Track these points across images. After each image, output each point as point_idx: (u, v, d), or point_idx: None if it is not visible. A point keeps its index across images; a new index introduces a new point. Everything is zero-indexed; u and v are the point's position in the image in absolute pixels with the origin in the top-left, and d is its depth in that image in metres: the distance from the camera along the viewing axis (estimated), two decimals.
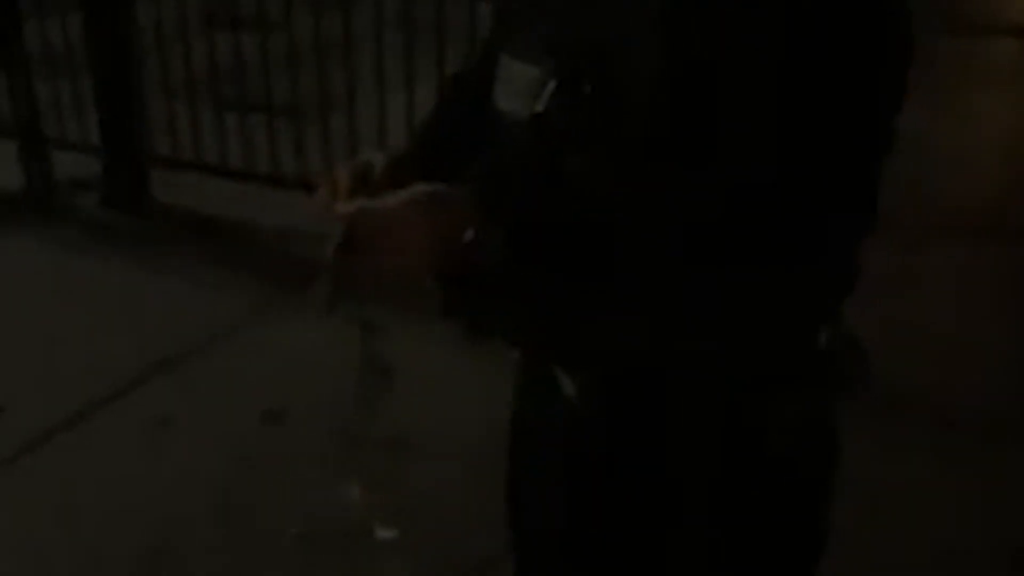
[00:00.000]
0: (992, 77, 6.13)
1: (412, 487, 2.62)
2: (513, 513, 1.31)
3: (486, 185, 0.99)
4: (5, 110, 4.63)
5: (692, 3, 0.93)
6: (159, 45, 4.32)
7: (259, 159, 4.08)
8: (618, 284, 0.93)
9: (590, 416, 1.09)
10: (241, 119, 4.12)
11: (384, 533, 1.15)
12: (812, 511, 1.15)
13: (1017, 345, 3.31)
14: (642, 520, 1.11)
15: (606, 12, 0.99)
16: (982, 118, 5.56)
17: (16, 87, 4.55)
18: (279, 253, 3.76)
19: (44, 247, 4.09)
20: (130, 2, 4.29)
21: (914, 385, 3.09)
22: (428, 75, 3.53)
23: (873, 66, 0.92)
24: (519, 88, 1.04)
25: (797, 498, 1.12)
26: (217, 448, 2.83)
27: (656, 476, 1.08)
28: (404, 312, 1.01)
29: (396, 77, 3.70)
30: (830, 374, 1.08)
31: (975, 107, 5.64)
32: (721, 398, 1.03)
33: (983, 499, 2.61)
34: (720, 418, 1.04)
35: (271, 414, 2.97)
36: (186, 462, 2.79)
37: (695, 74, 0.91)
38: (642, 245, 0.93)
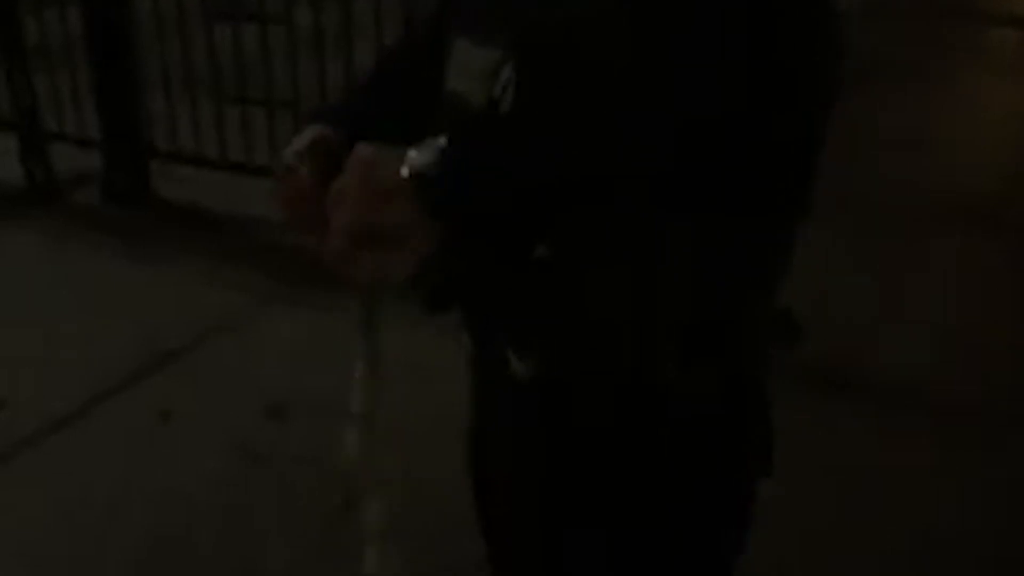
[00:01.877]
0: (993, 67, 6.13)
1: (412, 479, 2.64)
2: (477, 499, 1.32)
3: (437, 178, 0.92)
4: (5, 104, 4.63)
5: None
6: (159, 38, 4.32)
7: (259, 152, 4.08)
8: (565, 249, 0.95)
9: (536, 396, 1.11)
10: (241, 112, 4.12)
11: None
12: (728, 475, 1.15)
13: (1018, 336, 3.31)
14: (580, 490, 1.13)
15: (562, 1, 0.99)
16: (983, 107, 5.56)
17: (15, 81, 4.54)
18: (279, 246, 3.76)
19: (44, 241, 4.09)
20: None
21: (913, 375, 3.11)
22: None
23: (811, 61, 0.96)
24: (473, 71, 1.04)
25: (710, 462, 1.12)
26: (219, 443, 2.83)
27: (596, 449, 1.10)
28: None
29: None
30: (753, 341, 1.09)
31: (976, 96, 5.64)
32: (635, 359, 1.05)
33: (982, 488, 2.62)
34: (632, 379, 1.06)
35: (273, 408, 2.97)
36: (187, 456, 2.79)
37: (657, 57, 0.91)
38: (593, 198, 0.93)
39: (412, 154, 0.86)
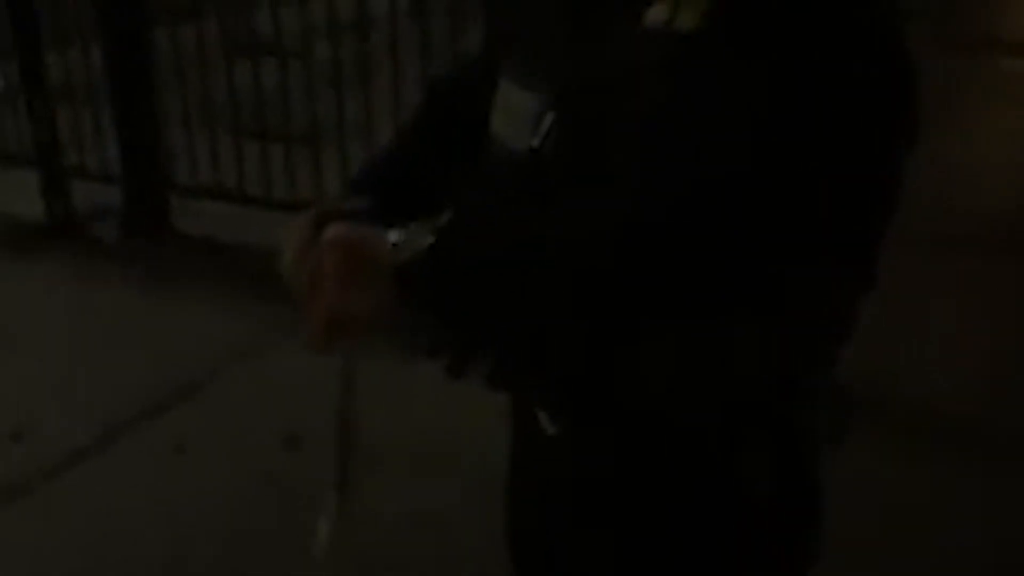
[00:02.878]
0: (999, 96, 6.12)
1: (411, 503, 2.63)
2: (511, 548, 1.29)
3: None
4: (27, 139, 4.68)
5: (702, 51, 0.90)
6: (178, 73, 4.36)
7: (277, 186, 4.11)
8: (583, 326, 0.92)
9: (567, 457, 1.08)
10: (260, 146, 4.15)
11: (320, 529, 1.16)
12: (789, 564, 1.11)
13: None
14: (617, 562, 1.09)
15: (610, 48, 0.96)
16: (992, 136, 5.55)
17: (38, 116, 4.59)
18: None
19: (64, 275, 4.12)
20: (149, 31, 4.33)
21: (929, 396, 3.08)
22: None
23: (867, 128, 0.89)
24: (516, 115, 1.02)
25: (774, 548, 1.09)
26: (236, 473, 2.82)
27: (629, 521, 1.07)
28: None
29: (413, 104, 3.71)
30: (808, 424, 1.05)
31: (984, 125, 5.63)
32: (693, 444, 1.01)
33: (996, 510, 2.59)
34: (693, 465, 1.02)
35: (289, 440, 2.96)
36: (205, 488, 2.78)
37: (694, 125, 0.89)
38: (609, 289, 0.91)
39: (395, 239, 0.88)
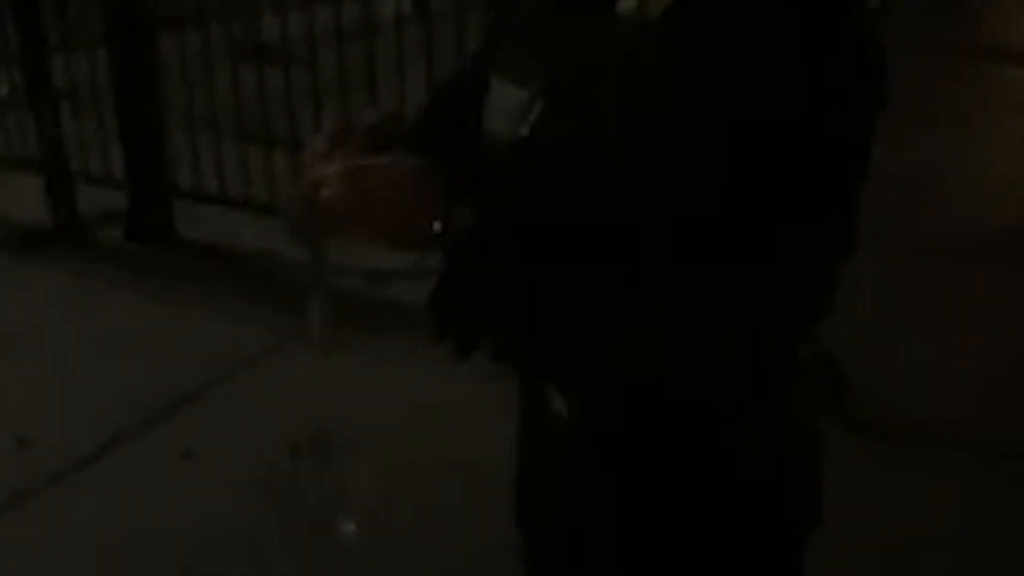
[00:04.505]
0: (1006, 103, 6.12)
1: (417, 508, 2.65)
2: (519, 526, 1.32)
3: (466, 187, 1.02)
4: (32, 145, 4.68)
5: (673, 34, 0.97)
6: (183, 79, 4.36)
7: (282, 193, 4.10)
8: (594, 288, 0.96)
9: (578, 435, 1.11)
10: (264, 152, 4.15)
11: (345, 526, 1.20)
12: (793, 530, 1.15)
13: None
14: (625, 535, 1.13)
15: (594, 40, 1.02)
16: (1001, 144, 5.55)
17: (43, 120, 4.59)
18: (302, 286, 3.78)
19: (69, 280, 4.12)
20: (154, 37, 4.34)
21: (935, 409, 3.08)
22: None
23: (846, 103, 0.96)
24: (507, 109, 1.07)
25: (776, 515, 1.12)
26: (241, 481, 2.82)
27: (638, 492, 1.10)
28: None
29: (417, 109, 3.71)
30: (805, 389, 1.10)
31: (992, 134, 5.63)
32: (696, 413, 1.05)
33: (993, 517, 2.59)
34: (696, 435, 1.06)
35: (295, 447, 2.96)
36: (209, 495, 2.78)
37: (669, 110, 0.95)
38: (617, 247, 0.96)
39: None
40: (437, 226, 0.96)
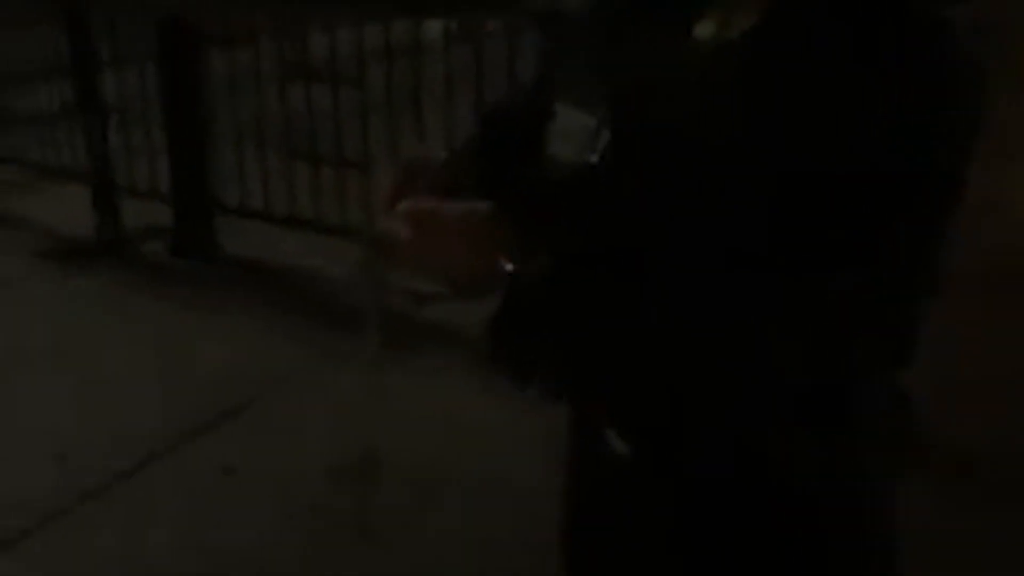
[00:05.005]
0: None
1: (453, 526, 2.62)
2: (567, 561, 1.26)
3: (537, 222, 1.00)
4: (81, 155, 4.71)
5: (758, 58, 0.92)
6: (232, 95, 4.37)
7: (326, 210, 4.09)
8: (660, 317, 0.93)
9: (642, 478, 1.07)
10: (311, 170, 4.14)
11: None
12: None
13: None
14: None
15: (664, 65, 0.99)
16: None
17: (92, 135, 4.63)
18: (344, 303, 3.75)
19: (111, 293, 4.13)
20: (204, 53, 4.35)
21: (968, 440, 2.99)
22: None
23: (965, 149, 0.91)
24: (573, 135, 1.04)
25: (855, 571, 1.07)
26: (275, 503, 2.79)
27: (709, 543, 1.06)
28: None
29: (465, 131, 3.68)
30: (868, 427, 1.04)
31: None
32: (773, 461, 1.01)
33: None
34: (771, 485, 1.02)
35: (333, 470, 2.92)
36: (243, 517, 2.74)
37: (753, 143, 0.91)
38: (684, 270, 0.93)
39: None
40: (508, 267, 0.94)
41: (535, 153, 1.10)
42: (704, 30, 0.96)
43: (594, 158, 1.01)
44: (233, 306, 3.96)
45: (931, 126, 0.89)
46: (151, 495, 2.86)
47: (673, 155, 0.95)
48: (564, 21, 1.17)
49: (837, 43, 0.89)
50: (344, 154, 4.10)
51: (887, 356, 0.99)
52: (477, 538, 2.60)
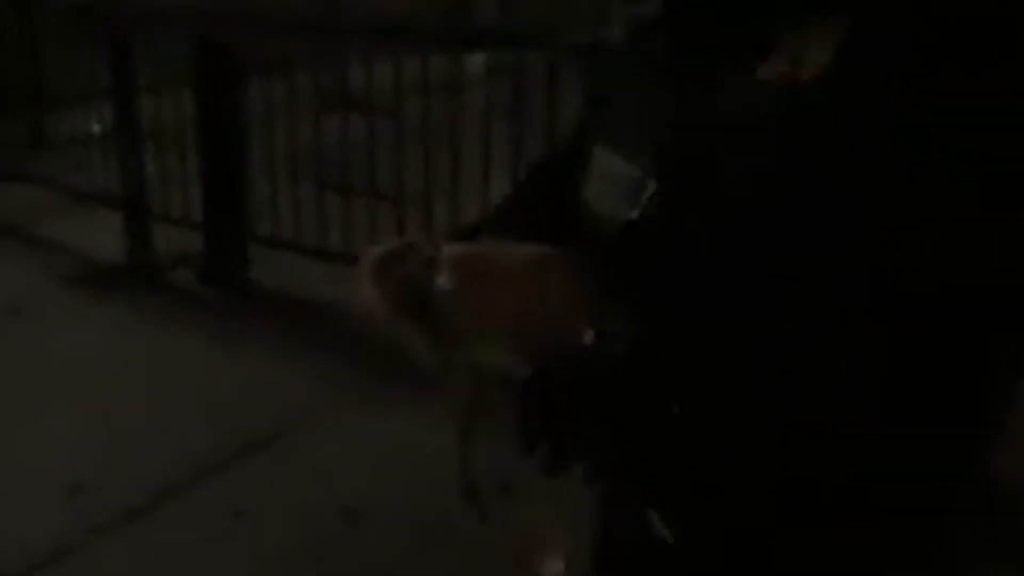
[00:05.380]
0: None
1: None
2: None
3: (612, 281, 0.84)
4: (114, 180, 4.69)
5: (834, 102, 0.77)
6: (267, 124, 4.33)
7: (359, 242, 4.02)
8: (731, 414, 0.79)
9: (686, 561, 0.94)
10: (343, 202, 4.08)
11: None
12: None
13: None
14: None
15: (727, 109, 0.84)
16: None
17: (127, 160, 4.60)
18: (371, 339, 3.67)
19: (137, 320, 4.07)
20: (241, 82, 4.31)
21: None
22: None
23: None
24: (612, 185, 0.92)
25: None
26: (288, 546, 2.69)
27: None
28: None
29: (502, 165, 3.60)
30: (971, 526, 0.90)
31: None
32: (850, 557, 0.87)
33: None
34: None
35: (349, 512, 2.82)
36: (254, 558, 2.65)
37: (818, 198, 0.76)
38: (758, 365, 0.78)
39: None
40: (590, 335, 0.77)
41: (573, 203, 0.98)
42: (768, 71, 0.82)
43: (634, 214, 0.88)
44: (258, 338, 3.88)
45: None
46: (162, 534, 2.77)
47: (735, 228, 0.80)
48: (606, 55, 1.05)
49: (930, 81, 0.74)
50: (377, 186, 4.03)
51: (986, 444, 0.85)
52: None
